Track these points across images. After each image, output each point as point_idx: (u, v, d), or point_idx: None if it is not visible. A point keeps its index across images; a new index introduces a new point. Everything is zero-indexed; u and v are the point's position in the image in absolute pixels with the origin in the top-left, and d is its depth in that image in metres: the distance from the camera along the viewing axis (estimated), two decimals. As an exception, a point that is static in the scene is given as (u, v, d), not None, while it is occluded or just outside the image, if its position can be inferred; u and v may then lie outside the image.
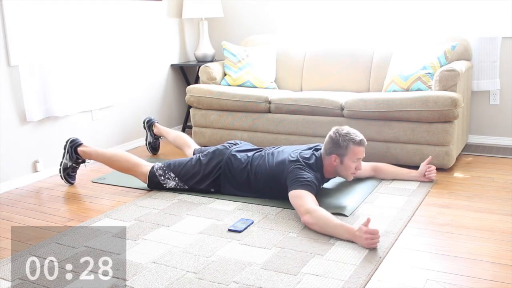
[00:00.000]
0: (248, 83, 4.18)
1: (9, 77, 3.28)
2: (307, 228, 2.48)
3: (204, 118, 4.05)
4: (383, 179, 3.18)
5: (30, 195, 3.19)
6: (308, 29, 4.54)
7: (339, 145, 2.73)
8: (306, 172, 2.68)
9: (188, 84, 4.86)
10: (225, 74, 4.30)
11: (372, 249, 2.23)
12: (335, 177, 2.94)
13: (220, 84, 4.22)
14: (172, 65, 4.79)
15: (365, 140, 2.77)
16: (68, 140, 3.31)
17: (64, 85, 3.60)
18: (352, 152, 2.73)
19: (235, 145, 3.16)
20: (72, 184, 3.37)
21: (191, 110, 4.14)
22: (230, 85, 4.19)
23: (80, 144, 3.31)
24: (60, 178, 3.35)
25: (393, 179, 3.16)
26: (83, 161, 3.34)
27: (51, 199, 3.11)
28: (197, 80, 4.81)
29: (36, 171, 3.49)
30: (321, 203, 2.74)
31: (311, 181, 2.64)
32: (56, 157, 3.57)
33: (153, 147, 4.01)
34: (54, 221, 2.73)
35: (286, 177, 2.70)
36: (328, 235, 2.38)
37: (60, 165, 3.31)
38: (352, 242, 2.30)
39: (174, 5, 4.77)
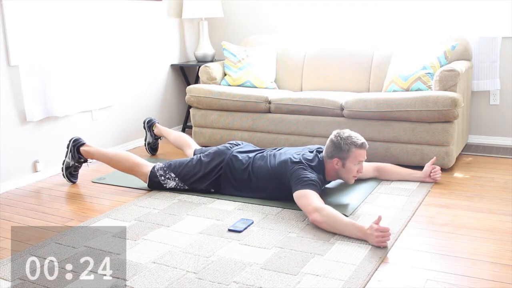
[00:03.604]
0: (248, 83, 4.18)
1: (9, 77, 3.28)
2: (307, 228, 2.48)
3: (204, 118, 4.05)
4: (387, 180, 3.17)
5: (30, 195, 3.19)
6: (308, 29, 4.54)
7: (341, 148, 2.73)
8: (309, 172, 2.68)
9: (188, 84, 4.86)
10: (225, 74, 4.30)
11: (382, 247, 2.24)
12: (335, 179, 2.94)
13: (220, 84, 4.22)
14: (172, 65, 4.79)
15: (366, 143, 2.78)
16: (71, 139, 3.33)
17: (64, 85, 3.60)
18: (354, 156, 2.73)
19: (237, 145, 3.16)
20: (74, 183, 3.38)
21: (191, 110, 4.14)
22: (230, 85, 4.19)
23: (83, 144, 3.32)
24: (62, 177, 3.36)
25: (397, 180, 3.15)
26: (85, 161, 3.36)
27: (51, 199, 3.11)
28: (197, 80, 4.81)
29: (36, 171, 3.49)
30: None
31: (315, 180, 2.64)
32: (56, 157, 3.58)
33: (153, 147, 4.01)
34: (54, 221, 2.73)
35: (289, 178, 2.70)
36: (337, 233, 2.38)
37: (63, 164, 3.33)
38: (352, 241, 2.30)
39: (174, 5, 4.77)
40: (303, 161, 2.75)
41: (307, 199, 2.53)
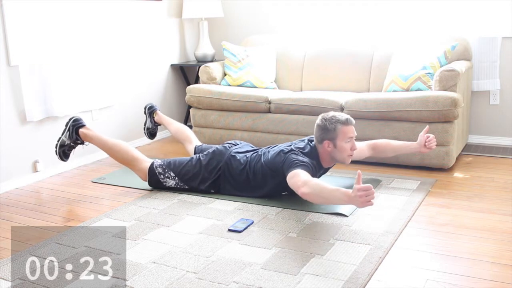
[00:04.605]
0: (248, 83, 4.18)
1: (9, 77, 3.29)
2: (307, 228, 2.48)
3: (204, 118, 4.05)
4: (384, 157, 3.20)
5: (30, 195, 3.19)
6: (308, 29, 4.54)
7: (327, 129, 2.74)
8: (301, 156, 2.70)
9: (188, 84, 4.86)
10: (225, 74, 4.30)
11: (369, 206, 2.25)
12: (334, 164, 2.94)
13: (220, 84, 4.22)
14: (172, 65, 4.79)
15: (352, 118, 2.78)
16: (72, 118, 3.22)
17: (64, 85, 3.60)
18: (341, 133, 2.74)
19: (235, 145, 3.15)
20: (65, 161, 3.29)
21: (191, 110, 4.14)
22: (230, 85, 4.19)
23: (83, 126, 3.22)
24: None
25: (393, 155, 3.17)
26: (82, 143, 3.24)
27: (51, 199, 3.11)
28: (197, 80, 4.81)
29: (36, 171, 3.49)
30: (320, 204, 2.74)
31: (306, 162, 2.65)
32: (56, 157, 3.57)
33: (151, 133, 3.81)
34: (54, 221, 2.73)
35: (282, 167, 2.71)
36: (326, 203, 2.52)
37: (58, 141, 3.22)
38: (352, 241, 2.30)
39: (174, 5, 4.77)
40: (295, 149, 2.78)
41: (297, 177, 2.54)
